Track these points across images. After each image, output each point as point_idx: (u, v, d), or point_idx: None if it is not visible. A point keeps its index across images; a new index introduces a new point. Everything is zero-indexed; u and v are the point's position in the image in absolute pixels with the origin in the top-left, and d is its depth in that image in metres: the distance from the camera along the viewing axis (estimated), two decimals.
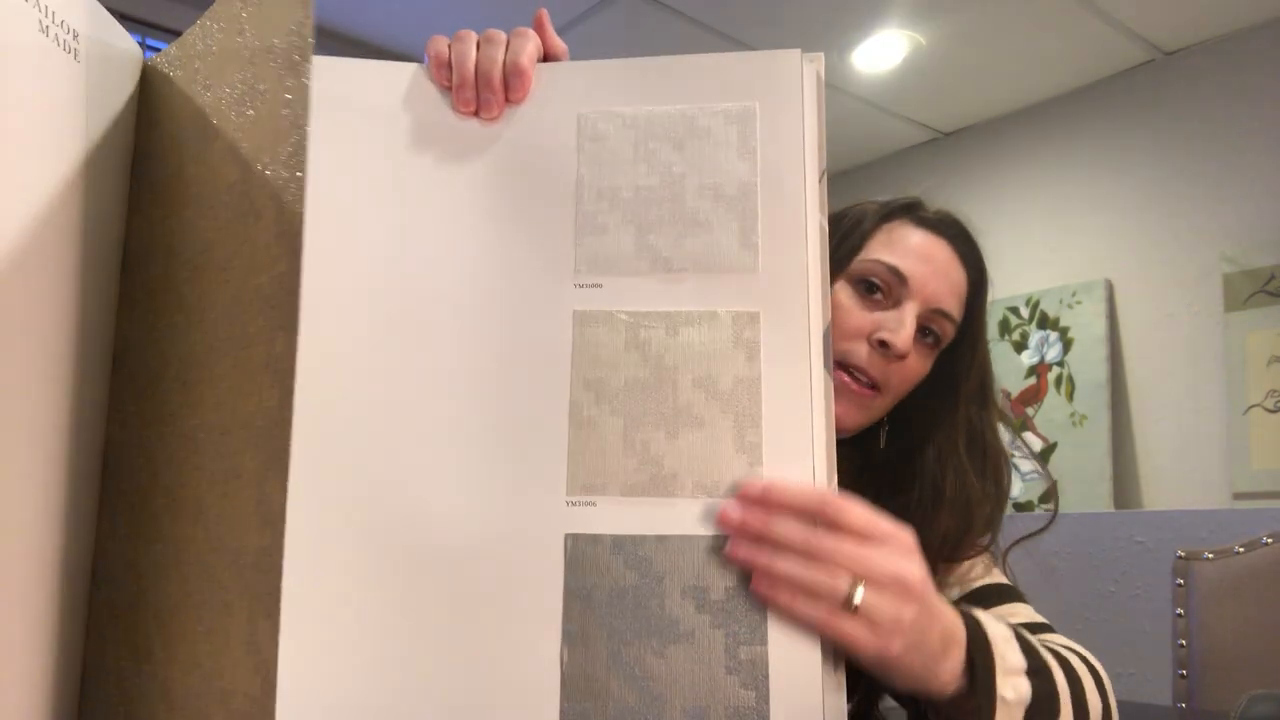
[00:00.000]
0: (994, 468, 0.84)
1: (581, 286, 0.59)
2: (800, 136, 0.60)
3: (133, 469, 0.56)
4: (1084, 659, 0.70)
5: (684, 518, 0.55)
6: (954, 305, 0.83)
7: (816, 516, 0.53)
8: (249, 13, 0.55)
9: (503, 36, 0.63)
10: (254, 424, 0.48)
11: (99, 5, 0.55)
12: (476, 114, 0.62)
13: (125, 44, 0.59)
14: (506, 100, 0.62)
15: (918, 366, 0.81)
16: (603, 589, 0.54)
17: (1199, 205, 2.23)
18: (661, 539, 0.55)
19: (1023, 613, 0.81)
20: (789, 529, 0.52)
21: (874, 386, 0.79)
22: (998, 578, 0.84)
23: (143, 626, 0.53)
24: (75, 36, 0.54)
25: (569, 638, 0.54)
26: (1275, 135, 2.12)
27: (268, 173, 0.51)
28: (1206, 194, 2.22)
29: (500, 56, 0.62)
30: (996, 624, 0.61)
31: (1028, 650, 0.61)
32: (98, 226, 0.56)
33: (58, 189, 0.53)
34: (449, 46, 0.63)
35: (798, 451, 0.56)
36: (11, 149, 0.50)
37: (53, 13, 0.52)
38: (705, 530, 0.55)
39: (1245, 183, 2.16)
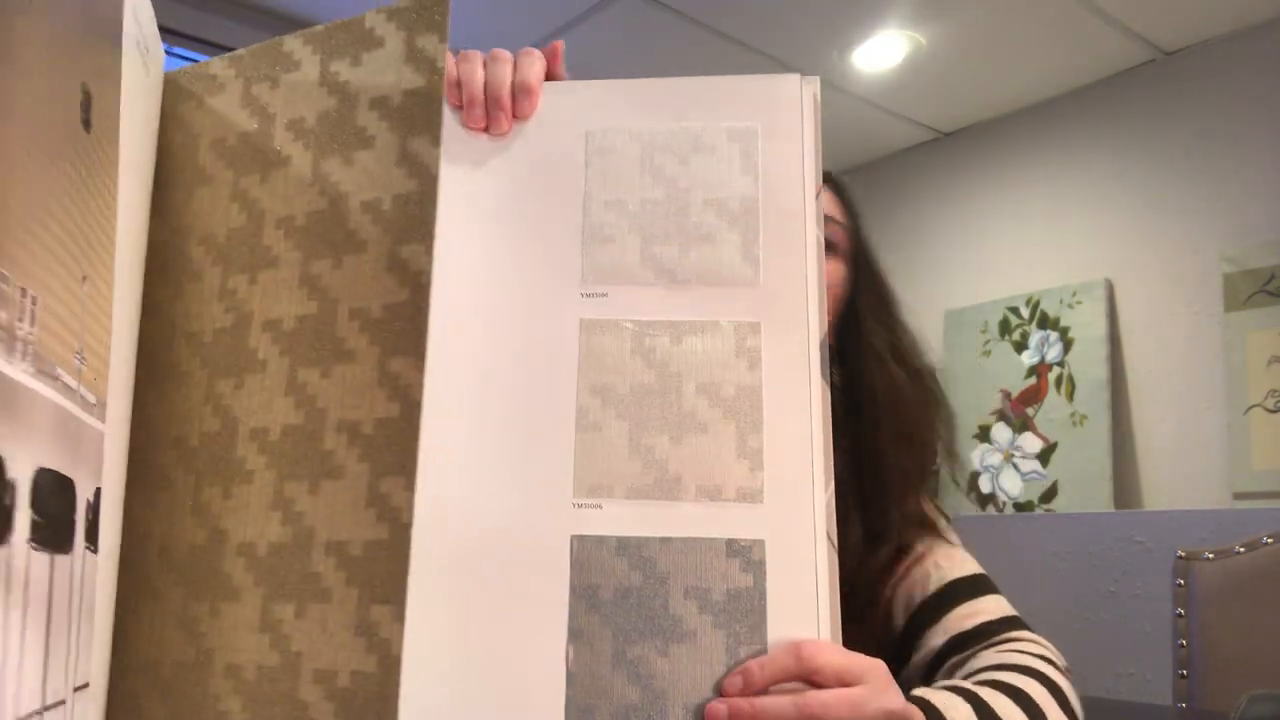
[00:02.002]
0: (916, 371, 0.90)
1: (588, 295, 0.61)
2: (799, 156, 0.63)
3: (161, 468, 0.57)
4: (1043, 676, 0.71)
5: (687, 520, 0.57)
6: (838, 214, 0.89)
7: (797, 677, 0.54)
8: (345, 62, 0.59)
9: (509, 56, 0.65)
10: (362, 431, 0.52)
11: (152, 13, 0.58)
12: (486, 130, 0.64)
13: (159, 52, 0.62)
14: (515, 117, 0.64)
15: (829, 272, 0.86)
16: (608, 589, 0.56)
17: (1199, 205, 2.23)
18: (665, 541, 0.57)
19: (991, 607, 0.83)
20: (778, 709, 0.52)
21: None
22: (963, 567, 0.85)
23: (191, 615, 0.55)
24: (147, 51, 0.56)
25: (575, 636, 0.55)
26: (1275, 135, 2.13)
27: (382, 210, 0.55)
28: (1206, 194, 2.22)
29: (509, 75, 0.64)
30: (958, 705, 0.63)
31: None
32: (128, 229, 0.59)
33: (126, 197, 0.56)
34: (456, 65, 0.65)
35: (797, 457, 0.58)
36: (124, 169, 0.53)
37: (141, 28, 0.55)
38: (708, 533, 0.57)
39: (1245, 183, 2.16)
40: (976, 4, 2.10)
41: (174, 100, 0.63)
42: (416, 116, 0.56)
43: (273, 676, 0.51)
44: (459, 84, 0.64)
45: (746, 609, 0.56)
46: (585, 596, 0.56)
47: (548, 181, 0.63)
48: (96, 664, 0.50)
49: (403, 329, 0.53)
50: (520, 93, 0.63)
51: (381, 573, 0.50)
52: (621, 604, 0.56)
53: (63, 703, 0.43)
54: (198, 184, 0.61)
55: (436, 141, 0.55)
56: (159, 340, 0.59)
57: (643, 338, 0.60)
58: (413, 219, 0.55)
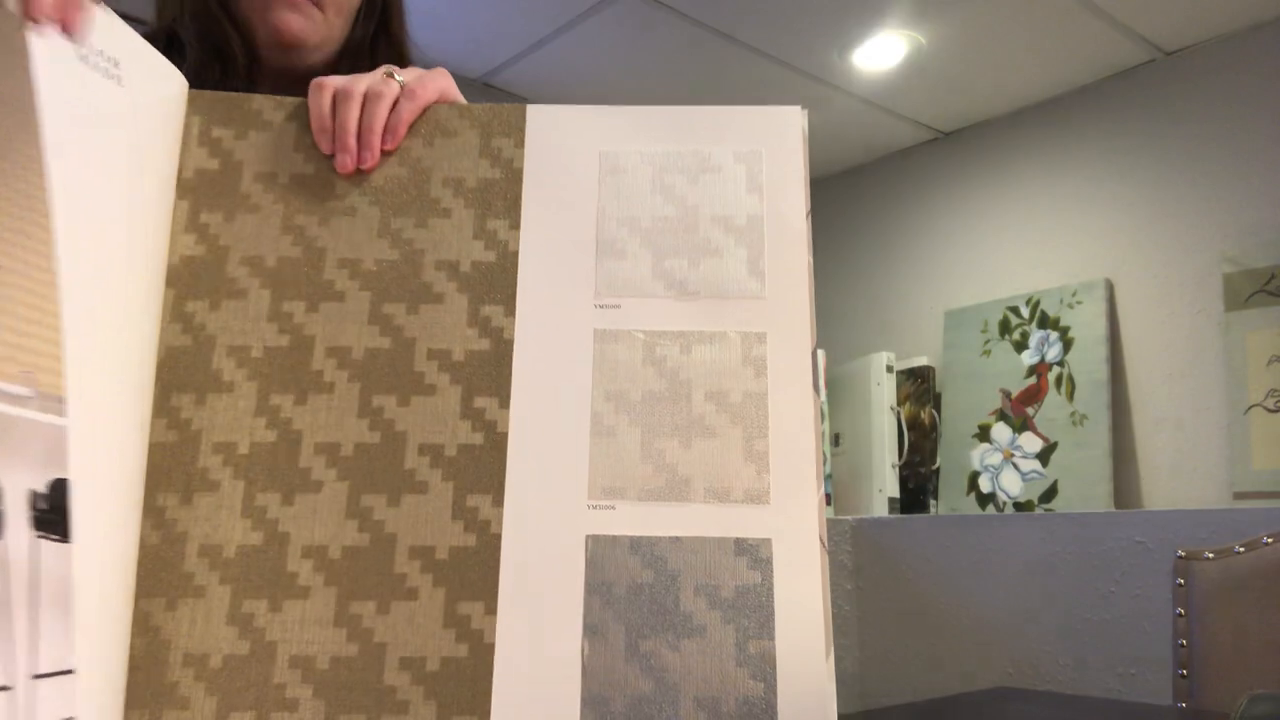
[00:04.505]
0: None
1: (602, 307, 0.65)
2: (798, 179, 0.68)
3: (204, 472, 0.62)
4: None
5: (697, 520, 0.61)
6: None
7: None
8: (433, 146, 0.68)
9: (380, 93, 0.69)
10: (445, 454, 0.61)
11: (139, 40, 0.62)
12: (358, 168, 0.67)
13: (169, 75, 0.67)
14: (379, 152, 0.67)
15: None
16: (621, 586, 0.60)
17: (1199, 205, 2.23)
18: (676, 540, 0.61)
19: None
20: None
21: (316, 4, 0.88)
22: None
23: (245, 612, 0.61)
24: (116, 64, 0.60)
25: (590, 631, 0.59)
26: (1276, 135, 2.13)
27: (460, 270, 0.64)
28: (1207, 194, 2.22)
29: (382, 116, 0.67)
30: None
31: None
32: (139, 235, 0.62)
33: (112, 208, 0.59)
34: (328, 106, 0.67)
35: (800, 459, 0.63)
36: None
37: (95, 47, 0.58)
38: (717, 533, 0.61)
39: (1245, 183, 2.16)
40: (976, 4, 2.10)
41: (205, 121, 0.67)
42: (500, 191, 0.66)
43: (352, 663, 0.56)
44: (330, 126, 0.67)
45: (755, 605, 0.59)
46: (600, 593, 0.59)
47: (564, 199, 0.67)
48: (88, 651, 0.52)
49: (486, 373, 0.62)
50: (389, 133, 0.67)
51: (473, 574, 0.59)
52: (634, 600, 0.59)
53: (8, 688, 0.44)
54: (240, 209, 0.66)
55: (519, 217, 0.65)
56: (195, 351, 0.64)
57: (654, 347, 0.64)
58: (486, 280, 0.64)
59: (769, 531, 0.61)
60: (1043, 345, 2.40)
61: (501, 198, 0.66)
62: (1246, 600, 1.40)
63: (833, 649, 0.59)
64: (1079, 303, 2.36)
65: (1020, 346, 2.45)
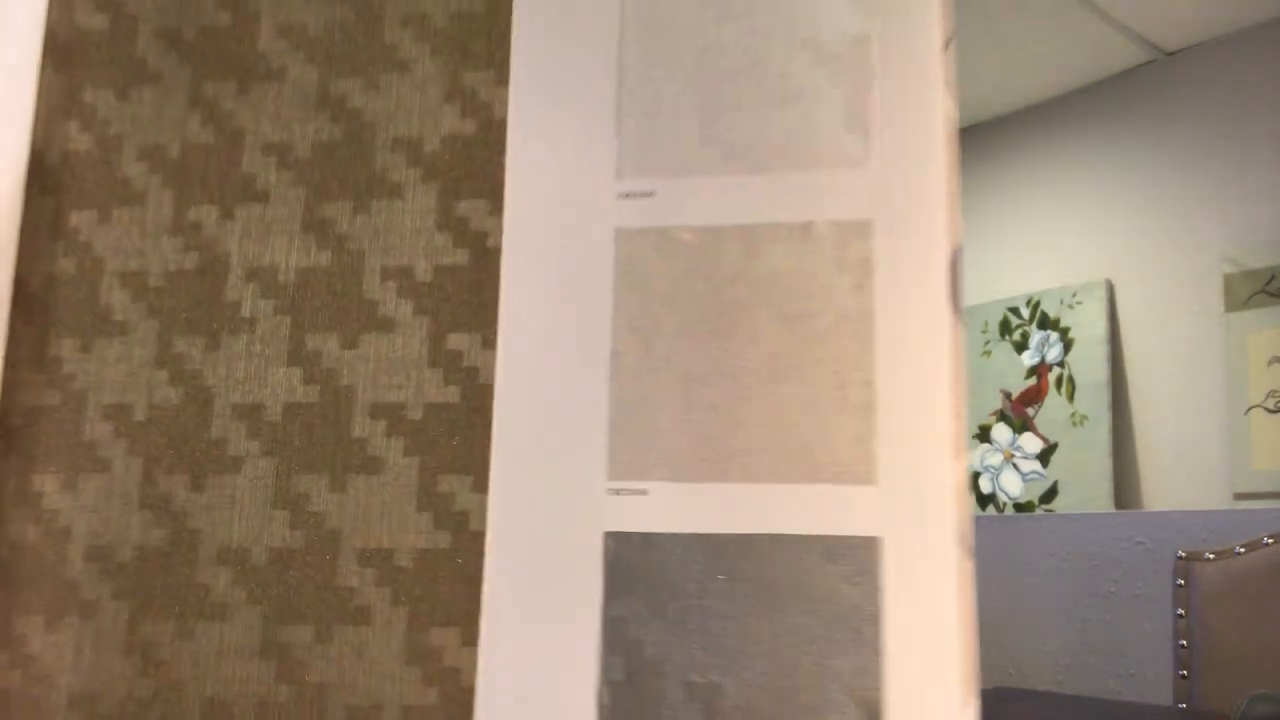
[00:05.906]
0: None
1: (626, 196, 0.44)
2: None
3: (89, 446, 0.50)
4: None
5: (766, 510, 0.41)
6: None
7: None
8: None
9: None
10: (407, 418, 0.44)
11: None
12: None
13: None
14: None
15: None
16: (653, 605, 0.41)
17: (1199, 205, 2.23)
18: (732, 540, 0.41)
19: None
20: None
21: None
22: None
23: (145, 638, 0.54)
24: None
25: (608, 671, 0.41)
26: (1276, 135, 2.13)
27: (425, 150, 0.47)
28: (1207, 194, 2.22)
29: None
30: None
31: None
32: None
33: None
34: None
35: (926, 415, 0.41)
36: None
37: None
38: (795, 529, 0.41)
39: (1246, 183, 2.16)
40: (976, 4, 2.10)
41: None
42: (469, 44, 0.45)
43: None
44: None
45: (854, 636, 0.39)
46: (623, 615, 0.41)
47: (571, 32, 0.46)
48: None
49: (472, 316, 0.45)
50: None
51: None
52: (676, 628, 0.41)
53: None
54: (136, 81, 0.51)
55: (505, 164, 0.44)
56: (79, 277, 0.49)
57: (703, 251, 0.43)
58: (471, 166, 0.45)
59: (876, 527, 0.40)
60: (1043, 346, 2.40)
61: (483, 38, 0.46)
62: (1247, 601, 1.40)
63: (976, 695, 0.39)
64: (1079, 303, 2.36)
65: (1020, 347, 2.45)
